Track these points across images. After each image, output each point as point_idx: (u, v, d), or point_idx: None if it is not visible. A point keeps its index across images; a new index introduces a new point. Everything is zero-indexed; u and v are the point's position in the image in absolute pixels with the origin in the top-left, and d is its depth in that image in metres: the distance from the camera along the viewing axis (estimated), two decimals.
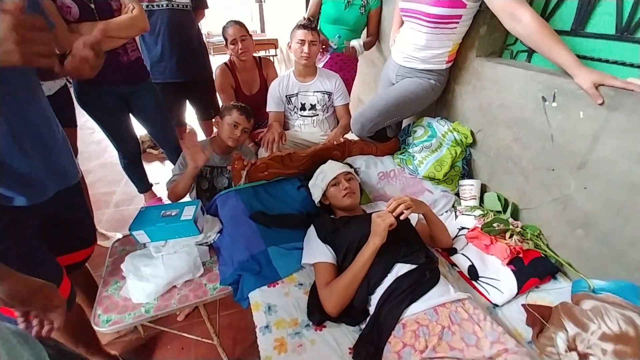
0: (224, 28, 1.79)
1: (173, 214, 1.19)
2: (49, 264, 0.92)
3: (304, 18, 1.63)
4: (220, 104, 1.91)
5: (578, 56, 1.03)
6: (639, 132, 0.86)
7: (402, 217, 0.99)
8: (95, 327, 1.01)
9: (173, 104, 2.07)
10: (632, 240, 0.92)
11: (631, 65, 0.99)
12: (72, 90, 1.59)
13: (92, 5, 1.37)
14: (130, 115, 1.76)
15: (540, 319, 0.92)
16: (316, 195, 1.30)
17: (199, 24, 2.07)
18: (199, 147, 1.36)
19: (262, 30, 6.77)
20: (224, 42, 1.83)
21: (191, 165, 1.34)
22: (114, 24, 1.33)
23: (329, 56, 1.92)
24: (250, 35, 1.84)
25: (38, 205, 0.84)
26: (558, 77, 1.05)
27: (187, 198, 1.47)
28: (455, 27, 1.27)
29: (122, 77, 1.56)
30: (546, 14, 1.18)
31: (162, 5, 1.76)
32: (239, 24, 1.79)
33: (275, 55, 4.83)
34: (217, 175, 1.54)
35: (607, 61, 1.04)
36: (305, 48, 1.59)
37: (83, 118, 1.71)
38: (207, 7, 2.08)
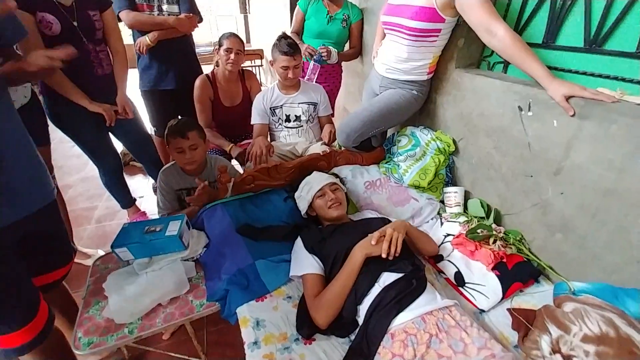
0: (224, 35, 1.80)
1: (157, 229, 1.17)
2: (26, 288, 0.89)
3: (285, 40, 1.62)
4: (199, 115, 1.90)
5: (550, 67, 1.08)
6: (609, 140, 0.91)
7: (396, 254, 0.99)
8: (76, 351, 0.96)
9: (163, 113, 2.04)
10: (607, 243, 0.96)
11: (599, 76, 1.04)
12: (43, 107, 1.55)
13: (75, 23, 1.37)
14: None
15: (525, 322, 0.94)
16: (302, 207, 1.30)
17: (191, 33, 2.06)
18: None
19: (248, 41, 6.83)
20: (217, 48, 1.84)
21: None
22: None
23: (318, 69, 1.95)
24: (245, 53, 1.86)
25: (15, 223, 0.81)
26: (532, 88, 1.10)
27: None
28: (435, 40, 1.31)
29: (96, 91, 1.53)
30: (519, 28, 1.24)
31: (155, 15, 1.79)
32: (239, 38, 1.82)
33: (261, 65, 4.85)
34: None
35: (577, 72, 1.10)
36: (290, 73, 1.62)
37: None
38: (201, 20, 2.04)
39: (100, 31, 1.49)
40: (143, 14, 1.78)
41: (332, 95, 2.23)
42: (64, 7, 1.34)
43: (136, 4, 1.77)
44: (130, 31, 1.90)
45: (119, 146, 1.89)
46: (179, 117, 2.02)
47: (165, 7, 1.82)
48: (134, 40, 1.85)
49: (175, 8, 1.84)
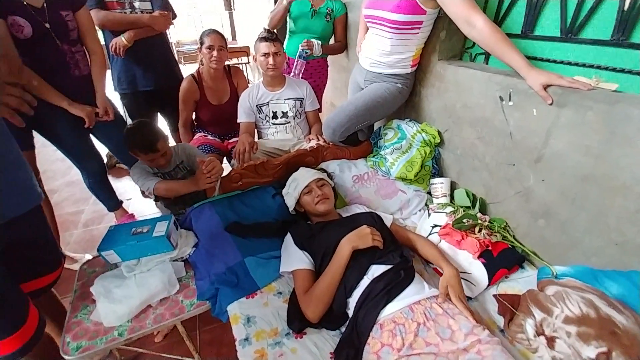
0: (204, 33, 1.76)
1: (144, 230, 1.16)
2: (14, 295, 0.87)
3: (265, 29, 1.64)
4: (181, 114, 1.90)
5: (528, 57, 1.10)
6: (586, 126, 0.93)
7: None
8: (65, 357, 0.95)
9: (144, 115, 2.00)
10: (586, 228, 0.99)
11: (576, 64, 1.07)
12: None
13: (48, 25, 1.33)
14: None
15: (510, 307, 0.96)
16: (290, 204, 1.31)
17: (167, 32, 2.03)
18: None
19: (234, 38, 6.73)
20: (199, 46, 1.81)
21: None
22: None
23: (303, 65, 1.94)
24: (227, 49, 1.84)
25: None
26: (512, 78, 1.12)
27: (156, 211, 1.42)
28: (417, 33, 1.32)
29: (74, 92, 1.49)
30: (498, 19, 1.25)
31: (126, 13, 1.72)
32: (220, 34, 1.78)
33: (248, 62, 4.81)
34: (173, 178, 1.49)
35: (554, 61, 1.12)
36: (271, 60, 1.60)
37: None
38: (175, 16, 2.04)
39: (74, 31, 1.45)
40: (114, 12, 1.69)
41: (319, 91, 2.22)
42: (35, 9, 1.30)
43: (105, 2, 1.68)
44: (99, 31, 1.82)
45: (104, 148, 1.85)
46: (145, 120, 1.70)
47: (137, 4, 1.74)
48: (105, 41, 1.78)
49: (147, 5, 1.77)
